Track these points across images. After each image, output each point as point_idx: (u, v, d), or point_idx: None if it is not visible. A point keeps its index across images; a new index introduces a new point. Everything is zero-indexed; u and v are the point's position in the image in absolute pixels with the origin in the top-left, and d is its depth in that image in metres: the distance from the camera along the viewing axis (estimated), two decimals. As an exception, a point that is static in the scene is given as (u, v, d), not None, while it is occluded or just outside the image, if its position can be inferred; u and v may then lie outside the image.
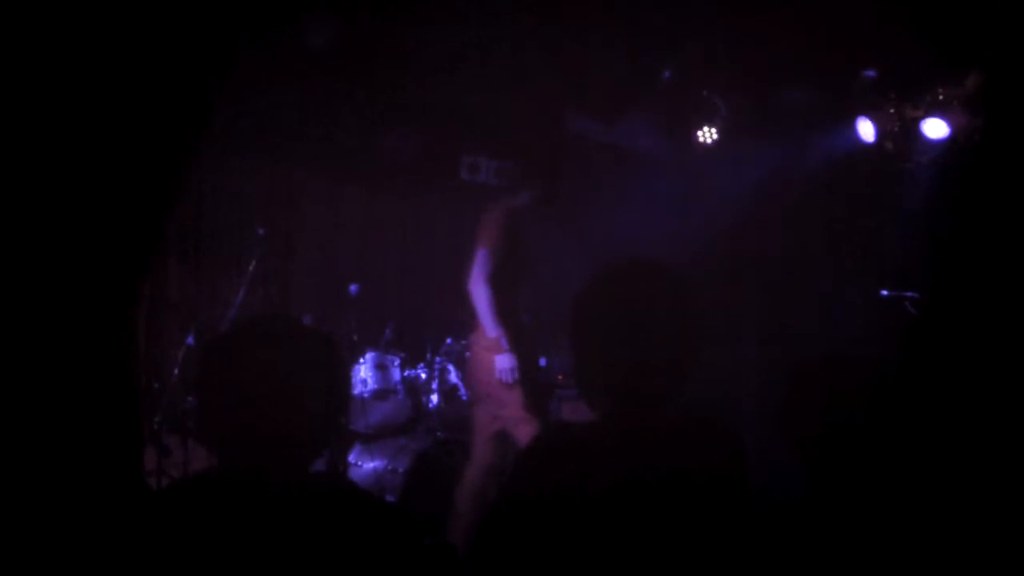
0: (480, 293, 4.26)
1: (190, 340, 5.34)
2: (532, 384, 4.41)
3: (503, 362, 4.25)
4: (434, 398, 6.34)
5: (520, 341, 4.37)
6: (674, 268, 1.98)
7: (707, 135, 6.52)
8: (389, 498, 5.52)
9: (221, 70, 2.34)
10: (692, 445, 1.92)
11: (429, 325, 7.35)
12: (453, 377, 6.44)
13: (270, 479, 1.74)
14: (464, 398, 6.40)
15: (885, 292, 5.02)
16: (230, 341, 1.83)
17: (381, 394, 6.28)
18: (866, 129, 5.65)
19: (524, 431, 4.21)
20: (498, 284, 4.30)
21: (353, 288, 6.10)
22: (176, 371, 5.26)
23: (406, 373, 6.40)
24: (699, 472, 1.87)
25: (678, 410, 1.95)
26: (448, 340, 6.57)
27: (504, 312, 4.30)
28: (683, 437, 1.92)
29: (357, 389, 6.22)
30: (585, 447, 1.90)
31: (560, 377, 6.87)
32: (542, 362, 7.16)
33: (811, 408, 2.07)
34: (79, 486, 2.05)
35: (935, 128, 5.29)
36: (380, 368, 6.34)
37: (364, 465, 5.80)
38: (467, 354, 4.69)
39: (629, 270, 2.00)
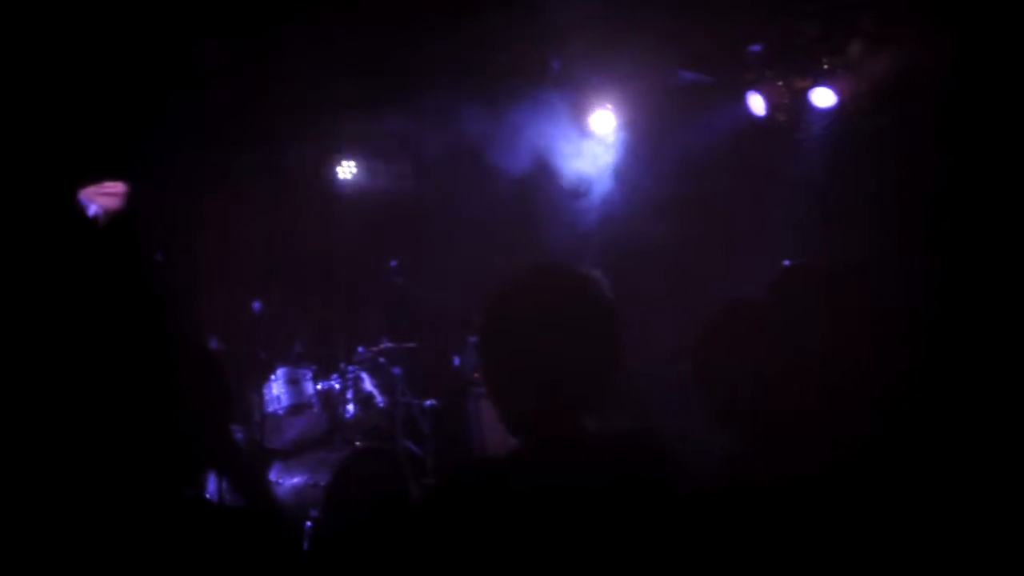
0: None
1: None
2: None
3: None
4: (350, 408, 6.22)
5: None
6: (583, 270, 1.83)
7: (602, 123, 6.54)
8: (313, 512, 5.39)
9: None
10: (615, 469, 1.74)
11: (339, 335, 7.24)
12: (367, 385, 6.34)
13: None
14: (381, 405, 6.32)
15: (788, 262, 5.07)
16: None
17: (296, 409, 6.15)
18: (757, 103, 5.74)
19: None
20: None
21: (256, 305, 5.97)
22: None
23: (319, 385, 6.26)
24: (625, 497, 1.69)
25: (601, 427, 1.81)
26: (360, 348, 6.47)
27: None
28: (606, 460, 1.75)
29: (271, 407, 6.09)
30: (502, 484, 1.72)
31: (476, 375, 6.81)
32: (455, 362, 7.11)
33: (720, 358, 2.07)
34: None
35: (823, 97, 5.40)
36: (292, 383, 6.20)
37: (285, 482, 5.67)
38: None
39: (535, 279, 1.84)
